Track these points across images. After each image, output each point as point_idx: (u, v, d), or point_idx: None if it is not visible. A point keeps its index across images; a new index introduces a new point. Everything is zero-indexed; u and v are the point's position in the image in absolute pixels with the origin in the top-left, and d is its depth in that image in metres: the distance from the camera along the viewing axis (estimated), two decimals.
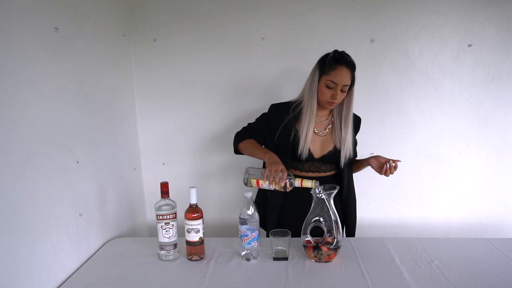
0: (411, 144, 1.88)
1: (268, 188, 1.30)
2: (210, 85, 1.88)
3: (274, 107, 1.53)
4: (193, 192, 1.28)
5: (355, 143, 1.55)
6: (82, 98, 1.37)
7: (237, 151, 1.57)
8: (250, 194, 1.27)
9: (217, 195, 1.99)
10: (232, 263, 1.27)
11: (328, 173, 1.52)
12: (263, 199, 1.57)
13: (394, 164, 1.41)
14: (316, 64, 1.43)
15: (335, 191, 1.25)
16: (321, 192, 1.24)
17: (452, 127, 1.85)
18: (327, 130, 1.50)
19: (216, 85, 1.88)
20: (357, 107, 1.71)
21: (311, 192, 1.26)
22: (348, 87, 1.40)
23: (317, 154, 1.48)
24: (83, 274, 1.24)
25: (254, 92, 1.87)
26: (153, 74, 1.88)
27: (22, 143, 1.04)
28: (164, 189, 1.30)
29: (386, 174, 1.42)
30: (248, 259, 1.29)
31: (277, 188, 1.29)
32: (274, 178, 1.25)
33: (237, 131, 1.58)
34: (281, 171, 1.26)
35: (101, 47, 1.54)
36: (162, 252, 1.31)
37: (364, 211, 1.95)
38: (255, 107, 1.86)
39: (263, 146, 1.55)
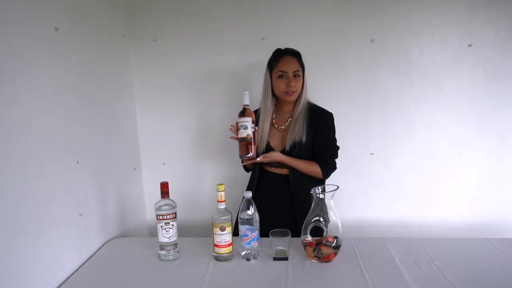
0: (411, 144, 1.88)
1: (243, 135, 1.39)
2: (210, 85, 1.88)
3: None
4: (247, 95, 1.43)
5: (321, 138, 1.48)
6: (82, 98, 1.37)
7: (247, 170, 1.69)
8: (250, 194, 1.27)
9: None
10: (232, 263, 1.27)
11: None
12: None
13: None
14: (266, 67, 1.53)
15: (335, 191, 1.25)
16: (320, 189, 1.25)
17: (452, 127, 1.85)
18: (286, 123, 1.53)
19: (216, 85, 1.88)
20: (357, 107, 1.71)
21: (311, 192, 1.26)
22: (300, 72, 1.46)
23: (278, 148, 1.50)
24: (83, 274, 1.24)
25: (254, 92, 1.87)
26: (153, 74, 1.88)
27: (22, 143, 1.04)
28: (164, 189, 1.30)
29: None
30: (248, 259, 1.28)
31: (245, 131, 1.38)
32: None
33: None
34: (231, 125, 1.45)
35: (101, 47, 1.54)
36: (162, 252, 1.31)
37: (364, 211, 1.95)
38: (255, 107, 1.86)
39: None
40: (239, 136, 1.39)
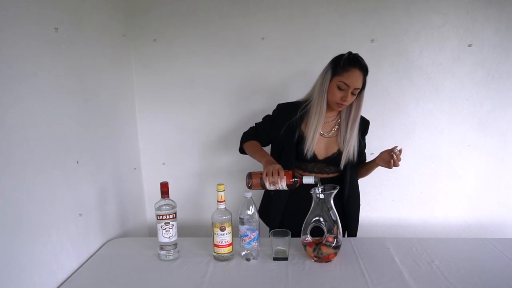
0: (411, 144, 1.88)
1: (270, 189, 1.30)
2: (210, 85, 1.88)
3: (281, 107, 1.52)
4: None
5: (363, 146, 1.55)
6: (82, 98, 1.37)
7: (242, 150, 1.57)
8: (250, 194, 1.27)
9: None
10: (232, 263, 1.27)
11: (331, 175, 1.50)
12: (268, 198, 1.58)
13: (397, 151, 1.36)
14: (329, 64, 1.40)
15: (335, 191, 1.25)
16: (320, 189, 1.24)
17: (452, 127, 1.85)
18: (332, 131, 1.48)
19: (216, 85, 1.88)
20: None
21: (311, 192, 1.26)
22: (359, 90, 1.38)
23: (321, 155, 1.46)
24: (83, 274, 1.24)
25: (254, 92, 1.87)
26: (153, 74, 1.88)
27: (22, 143, 1.04)
28: (164, 189, 1.30)
29: (395, 165, 1.36)
30: (248, 259, 1.29)
31: (278, 188, 1.28)
32: (273, 179, 1.25)
33: (244, 130, 1.59)
34: (278, 170, 1.26)
35: (101, 47, 1.54)
36: (162, 252, 1.31)
37: (364, 211, 1.94)
38: (255, 107, 1.86)
39: (270, 144, 1.57)
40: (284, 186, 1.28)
